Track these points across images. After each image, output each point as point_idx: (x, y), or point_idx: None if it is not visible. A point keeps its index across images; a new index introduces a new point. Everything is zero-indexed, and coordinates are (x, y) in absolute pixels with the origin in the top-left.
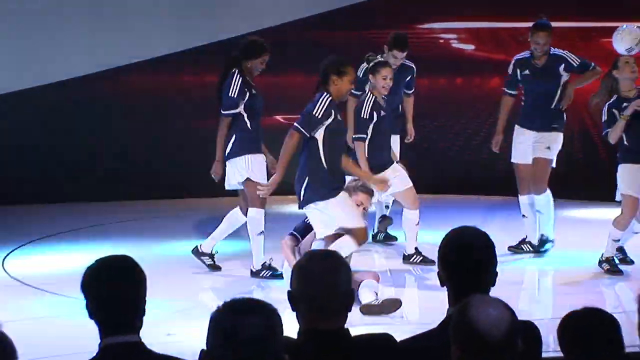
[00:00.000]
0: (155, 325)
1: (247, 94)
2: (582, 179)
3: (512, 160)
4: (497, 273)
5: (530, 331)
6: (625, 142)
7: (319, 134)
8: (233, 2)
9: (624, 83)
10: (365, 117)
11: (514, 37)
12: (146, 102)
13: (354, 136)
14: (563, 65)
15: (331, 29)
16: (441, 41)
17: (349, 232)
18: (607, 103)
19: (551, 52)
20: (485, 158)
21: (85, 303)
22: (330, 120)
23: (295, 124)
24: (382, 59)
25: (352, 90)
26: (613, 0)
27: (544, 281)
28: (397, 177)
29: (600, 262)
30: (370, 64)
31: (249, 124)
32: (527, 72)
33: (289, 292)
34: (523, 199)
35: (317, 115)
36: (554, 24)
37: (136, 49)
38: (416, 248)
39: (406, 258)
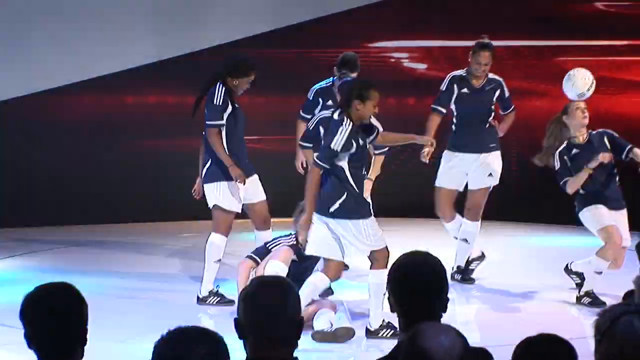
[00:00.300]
0: (98, 354)
1: (230, 107)
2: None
3: (437, 184)
4: (448, 299)
5: (483, 358)
6: (582, 191)
7: (343, 163)
8: (179, 19)
9: (574, 129)
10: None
11: (465, 55)
12: (86, 123)
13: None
14: (498, 92)
15: (280, 47)
16: (392, 60)
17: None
18: (558, 150)
19: (489, 76)
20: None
21: (24, 332)
22: (352, 150)
23: (315, 158)
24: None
25: (302, 113)
26: (566, 19)
27: (500, 306)
28: None
29: (579, 298)
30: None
31: (225, 146)
32: (465, 90)
33: (235, 319)
34: (451, 225)
35: (335, 148)
36: (508, 43)
37: (76, 71)
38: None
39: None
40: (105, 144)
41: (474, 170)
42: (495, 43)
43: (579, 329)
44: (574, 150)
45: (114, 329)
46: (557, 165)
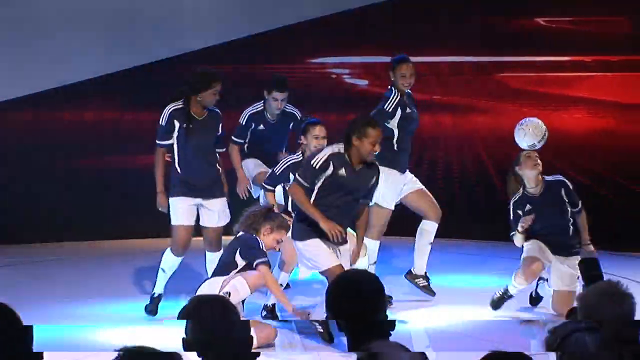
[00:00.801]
0: None
1: (178, 125)
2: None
3: (392, 206)
4: (390, 319)
5: None
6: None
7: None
8: (120, 35)
9: (527, 178)
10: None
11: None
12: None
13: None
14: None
15: (220, 63)
16: (333, 76)
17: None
18: (513, 201)
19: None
20: None
21: None
22: (328, 172)
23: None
24: (312, 119)
25: (234, 138)
26: (508, 35)
27: (455, 325)
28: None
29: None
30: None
31: (177, 163)
32: (408, 111)
33: (183, 339)
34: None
35: (315, 165)
36: (450, 59)
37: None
38: None
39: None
40: (42, 160)
41: (404, 185)
42: (438, 59)
43: (525, 345)
44: (527, 207)
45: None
46: (510, 216)
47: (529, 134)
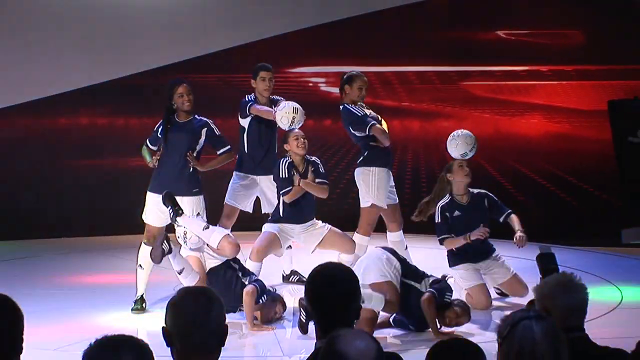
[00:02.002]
0: None
1: (162, 132)
2: None
3: (385, 204)
4: (360, 307)
5: None
6: (454, 249)
7: None
8: (109, 45)
9: (457, 186)
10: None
11: (379, 80)
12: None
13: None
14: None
15: (205, 72)
16: (310, 85)
17: None
18: (441, 205)
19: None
20: (351, 202)
21: None
22: None
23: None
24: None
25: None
26: (471, 47)
27: None
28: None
29: None
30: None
31: (159, 160)
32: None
33: (163, 327)
34: (395, 235)
35: None
36: (417, 68)
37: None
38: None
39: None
40: (41, 163)
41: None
42: (406, 69)
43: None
44: (456, 212)
45: (48, 337)
46: (438, 219)
47: (461, 144)
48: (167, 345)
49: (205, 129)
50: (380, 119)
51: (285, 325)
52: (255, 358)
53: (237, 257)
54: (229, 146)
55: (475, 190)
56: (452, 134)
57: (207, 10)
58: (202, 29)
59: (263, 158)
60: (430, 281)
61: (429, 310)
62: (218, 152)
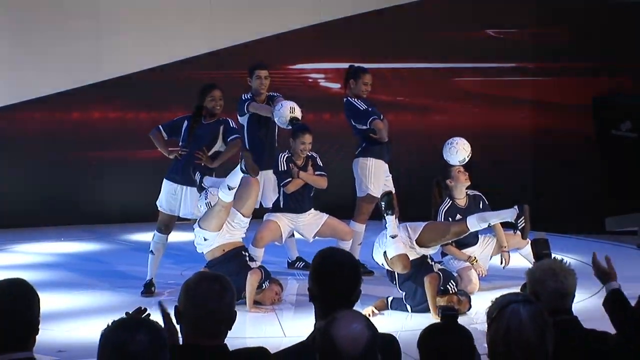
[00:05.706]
0: (47, 343)
1: (186, 125)
2: None
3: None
4: (361, 290)
5: (389, 345)
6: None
7: None
8: (120, 42)
9: (458, 191)
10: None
11: (377, 76)
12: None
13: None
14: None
15: (212, 69)
16: (310, 80)
17: None
18: (443, 210)
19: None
20: (347, 192)
21: None
22: None
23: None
24: (302, 125)
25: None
26: (461, 44)
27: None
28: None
29: None
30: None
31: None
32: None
33: (175, 307)
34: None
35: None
36: (412, 65)
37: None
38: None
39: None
40: (56, 155)
41: (386, 177)
42: (400, 66)
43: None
44: (458, 216)
45: (65, 318)
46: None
47: (460, 150)
48: (177, 322)
49: (223, 125)
50: (382, 116)
51: (284, 307)
52: (257, 339)
53: (242, 243)
54: (237, 134)
55: (471, 192)
56: (448, 142)
57: (213, 7)
58: (211, 27)
59: (263, 154)
60: (440, 267)
61: (430, 289)
62: (227, 140)
